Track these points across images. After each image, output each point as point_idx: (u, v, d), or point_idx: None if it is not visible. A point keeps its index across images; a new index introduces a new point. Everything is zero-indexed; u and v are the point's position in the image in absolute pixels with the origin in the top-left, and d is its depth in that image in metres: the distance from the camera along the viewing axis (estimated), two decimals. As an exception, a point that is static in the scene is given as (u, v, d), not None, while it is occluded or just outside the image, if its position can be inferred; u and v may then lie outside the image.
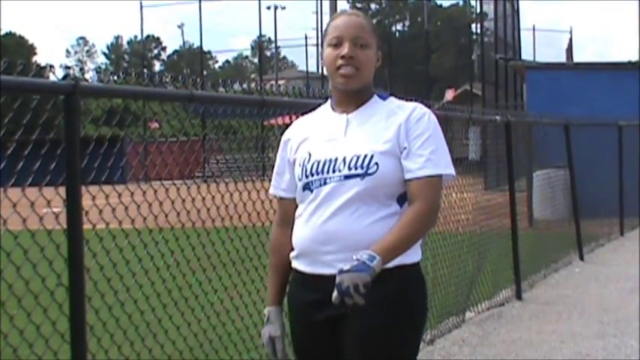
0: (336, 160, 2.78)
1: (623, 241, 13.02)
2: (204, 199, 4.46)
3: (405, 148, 2.76)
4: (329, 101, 2.95)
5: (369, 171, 2.74)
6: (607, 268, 10.37)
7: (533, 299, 8.36)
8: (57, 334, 3.47)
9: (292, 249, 2.90)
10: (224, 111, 4.80)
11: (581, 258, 11.11)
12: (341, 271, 2.54)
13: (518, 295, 8.34)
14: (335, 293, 2.54)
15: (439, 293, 6.79)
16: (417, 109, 2.84)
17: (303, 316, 2.87)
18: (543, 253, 10.11)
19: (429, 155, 2.75)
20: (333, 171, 2.77)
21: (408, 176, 2.75)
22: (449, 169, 2.81)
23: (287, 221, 2.94)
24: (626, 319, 7.26)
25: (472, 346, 6.44)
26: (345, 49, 2.79)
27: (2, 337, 3.30)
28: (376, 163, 2.74)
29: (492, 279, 8.12)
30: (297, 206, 2.91)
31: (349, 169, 2.75)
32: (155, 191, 4.21)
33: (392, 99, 2.92)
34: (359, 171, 2.74)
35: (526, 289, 8.63)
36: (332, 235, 2.74)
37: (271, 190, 3.04)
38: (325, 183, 2.77)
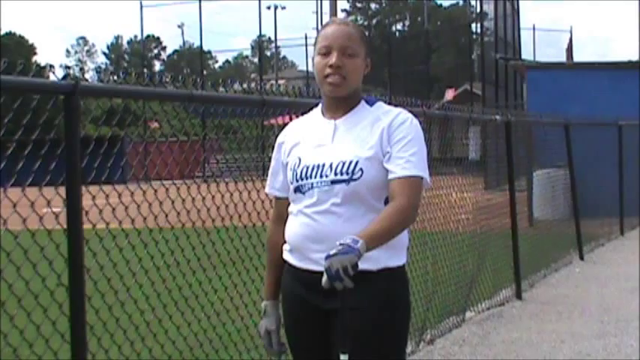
0: (323, 165, 2.90)
1: (624, 241, 13.03)
2: (204, 198, 4.46)
3: (387, 152, 2.87)
4: (320, 105, 3.06)
5: (354, 176, 2.86)
6: (607, 267, 10.38)
7: (534, 299, 8.36)
8: (57, 333, 3.47)
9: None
10: (224, 111, 4.80)
11: (582, 258, 11.11)
12: (328, 256, 2.61)
13: (519, 295, 8.35)
14: (324, 278, 2.60)
15: (439, 293, 6.79)
16: (400, 114, 2.95)
17: (294, 305, 3.01)
18: (543, 253, 10.11)
19: (409, 157, 2.86)
20: (321, 176, 2.89)
21: (390, 177, 2.86)
22: (426, 173, 2.90)
23: (282, 219, 3.09)
24: (626, 318, 7.27)
25: (472, 346, 6.44)
26: (332, 59, 2.90)
27: (2, 336, 3.30)
28: (361, 169, 2.85)
29: (492, 278, 8.13)
30: (290, 204, 3.04)
31: (335, 174, 2.87)
32: (155, 191, 4.21)
33: (380, 104, 3.01)
34: (344, 176, 2.86)
35: (526, 288, 8.64)
36: (322, 235, 2.87)
37: (266, 190, 3.20)
38: (313, 187, 2.90)
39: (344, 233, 2.78)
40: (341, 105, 2.96)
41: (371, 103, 3.00)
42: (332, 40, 2.92)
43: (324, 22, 3.09)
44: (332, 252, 2.61)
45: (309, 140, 2.99)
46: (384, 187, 2.87)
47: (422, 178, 2.87)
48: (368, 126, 2.92)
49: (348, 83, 2.91)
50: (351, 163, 2.86)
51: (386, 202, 2.88)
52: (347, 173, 2.86)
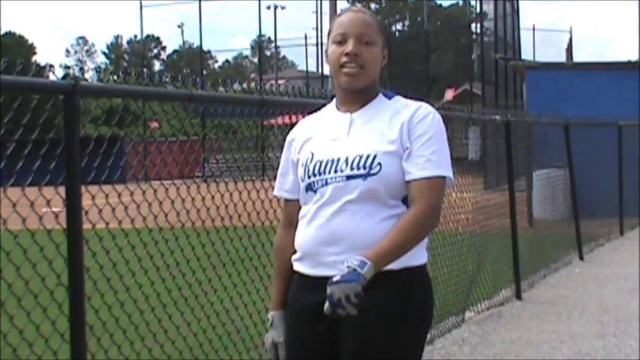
0: (338, 160, 2.72)
1: (623, 241, 13.02)
2: (203, 198, 4.45)
3: (407, 148, 2.70)
4: (334, 100, 2.89)
5: (372, 171, 2.67)
6: (607, 267, 10.37)
7: (533, 299, 8.36)
8: (56, 333, 3.47)
9: (295, 252, 2.85)
10: (224, 111, 4.80)
11: (581, 258, 11.11)
12: (331, 282, 2.49)
13: (518, 295, 8.34)
14: (327, 304, 2.49)
15: (439, 293, 6.78)
16: (422, 108, 2.78)
17: (304, 319, 2.79)
18: (543, 253, 10.11)
19: (430, 156, 2.68)
20: (335, 171, 2.71)
21: (408, 178, 2.69)
22: (449, 172, 2.73)
23: (291, 223, 2.89)
24: (625, 318, 7.26)
25: (472, 346, 6.44)
26: (349, 46, 2.73)
27: (2, 336, 3.30)
28: (379, 164, 2.68)
29: (492, 279, 8.13)
30: (300, 208, 2.85)
31: (351, 169, 2.69)
32: (155, 191, 4.20)
33: (398, 98, 2.86)
34: (361, 171, 2.68)
35: (526, 288, 8.64)
36: (337, 235, 2.68)
37: (275, 192, 3.00)
38: (327, 183, 2.72)
39: (360, 232, 2.66)
40: (357, 98, 2.78)
41: (389, 97, 2.83)
42: (348, 27, 2.75)
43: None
44: (335, 278, 2.48)
45: (322, 134, 2.80)
46: (403, 184, 2.69)
47: (444, 177, 2.70)
48: (386, 119, 2.74)
49: (366, 73, 2.74)
50: (368, 157, 2.68)
51: (404, 200, 2.71)
52: (364, 168, 2.67)
